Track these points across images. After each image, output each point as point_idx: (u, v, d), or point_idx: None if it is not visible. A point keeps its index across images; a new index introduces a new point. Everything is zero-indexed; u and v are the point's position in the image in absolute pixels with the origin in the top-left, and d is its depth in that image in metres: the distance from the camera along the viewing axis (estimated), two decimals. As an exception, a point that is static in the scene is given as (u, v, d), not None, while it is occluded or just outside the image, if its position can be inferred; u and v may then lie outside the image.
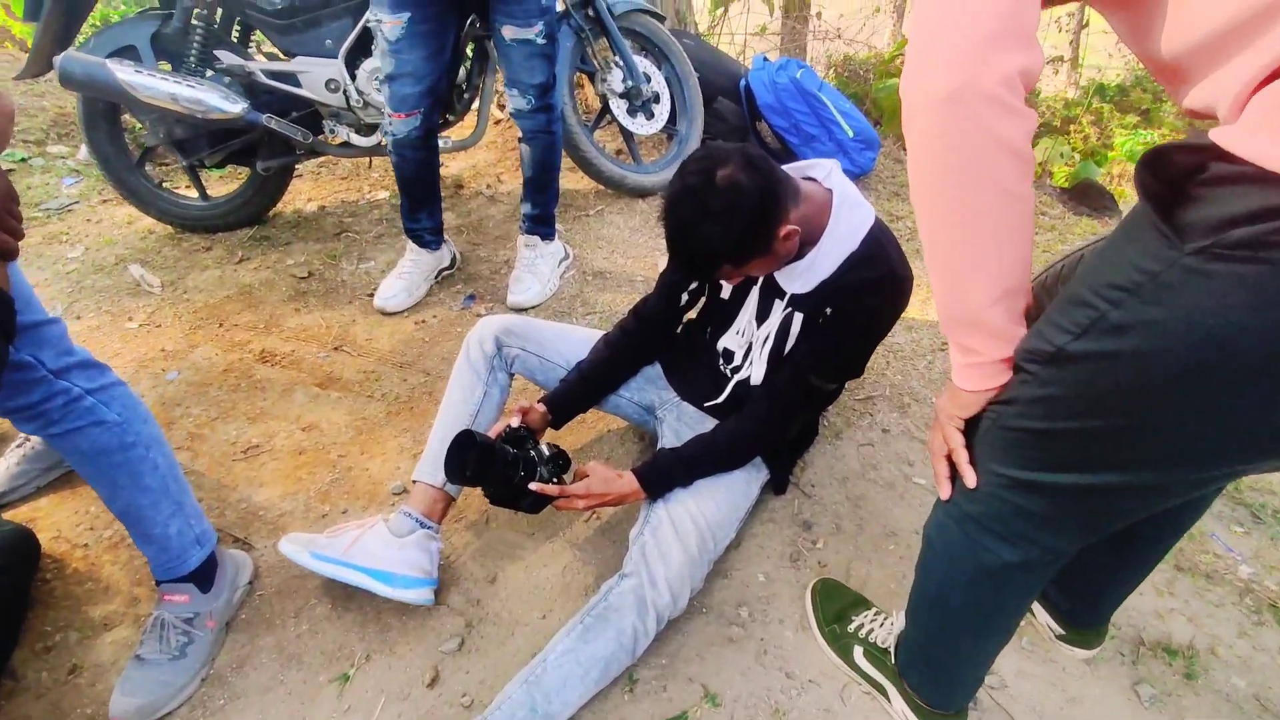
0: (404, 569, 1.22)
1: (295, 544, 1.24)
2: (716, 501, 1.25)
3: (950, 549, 0.84)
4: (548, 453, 1.24)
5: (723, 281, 1.32)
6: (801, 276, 1.19)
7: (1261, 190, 0.49)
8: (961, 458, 0.79)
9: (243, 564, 1.33)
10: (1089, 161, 3.91)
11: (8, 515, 1.42)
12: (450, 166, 2.88)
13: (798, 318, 1.23)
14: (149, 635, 1.17)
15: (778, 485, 1.46)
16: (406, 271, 2.07)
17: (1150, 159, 0.57)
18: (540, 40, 1.74)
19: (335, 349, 1.93)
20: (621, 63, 2.38)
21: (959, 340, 0.74)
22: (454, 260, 2.23)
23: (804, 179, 1.18)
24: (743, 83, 2.79)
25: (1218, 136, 0.51)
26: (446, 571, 1.35)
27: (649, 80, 2.48)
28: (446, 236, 2.18)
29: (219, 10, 2.11)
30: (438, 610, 1.29)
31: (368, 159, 2.70)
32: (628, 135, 2.57)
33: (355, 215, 2.58)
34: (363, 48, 2.18)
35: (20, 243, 0.88)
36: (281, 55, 2.24)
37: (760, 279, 1.28)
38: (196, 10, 2.07)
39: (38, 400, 1.01)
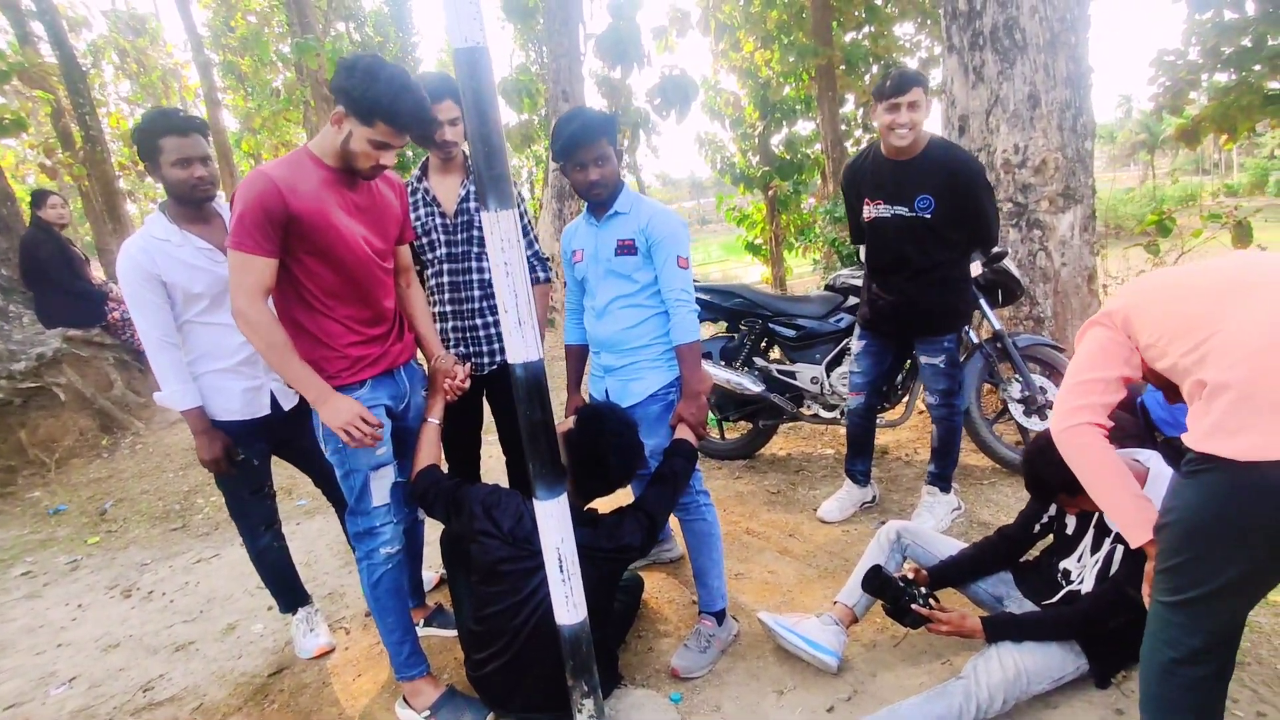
0: (824, 641, 2.13)
1: (768, 616, 2.26)
2: (1035, 657, 1.88)
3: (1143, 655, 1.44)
4: (926, 593, 2.06)
5: (1067, 517, 2.05)
6: None
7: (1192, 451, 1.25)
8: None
9: (733, 626, 2.39)
10: None
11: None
12: (883, 438, 3.98)
13: (1119, 550, 1.88)
14: (691, 638, 2.29)
15: (1100, 679, 1.96)
16: (842, 497, 3.15)
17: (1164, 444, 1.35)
18: (942, 365, 2.81)
19: (790, 535, 3.04)
20: (1021, 378, 3.26)
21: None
22: (875, 498, 3.22)
23: (1132, 460, 1.91)
24: (1139, 400, 3.33)
25: (1184, 438, 1.28)
26: (845, 662, 2.19)
27: (1045, 391, 3.28)
28: (872, 480, 3.22)
29: (762, 338, 3.73)
30: (837, 677, 2.13)
31: (824, 427, 3.99)
32: (1023, 430, 3.35)
33: (810, 462, 3.83)
34: (837, 360, 3.55)
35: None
36: (786, 361, 3.74)
37: (1093, 523, 1.98)
38: (749, 338, 3.72)
39: (687, 502, 2.30)
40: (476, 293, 2.51)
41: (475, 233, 2.48)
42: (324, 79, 11.81)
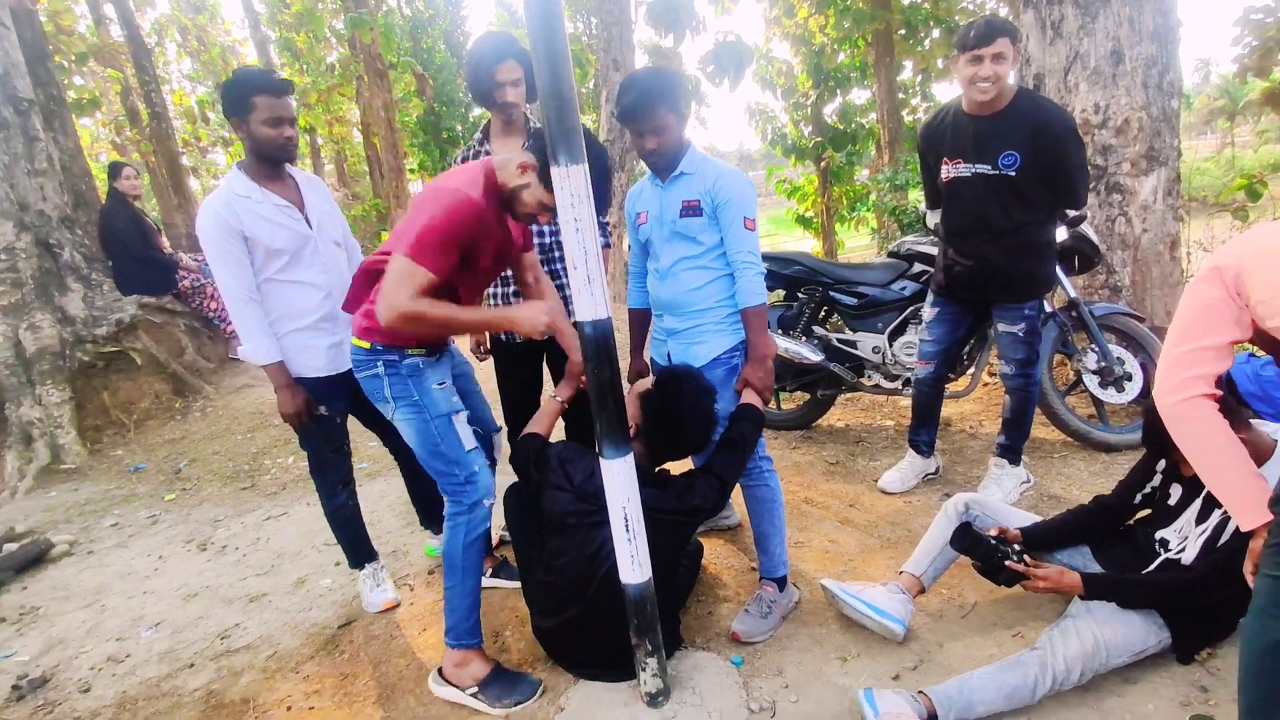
0: (890, 609, 2.09)
1: (832, 583, 2.23)
2: (1115, 629, 1.81)
3: (1247, 632, 1.36)
4: (1019, 550, 1.99)
5: (1171, 487, 1.97)
6: None
7: None
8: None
9: (794, 593, 2.37)
10: None
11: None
12: (946, 409, 3.86)
13: (1232, 520, 1.79)
14: (752, 603, 2.28)
15: (1182, 654, 1.88)
16: (904, 468, 3.08)
17: None
18: (1021, 334, 2.70)
19: (850, 505, 3.00)
20: (1097, 349, 3.12)
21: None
22: (938, 469, 3.15)
23: (1266, 434, 1.80)
24: (1226, 373, 3.16)
25: None
26: (911, 631, 2.15)
27: (1122, 363, 3.13)
28: (935, 452, 3.14)
29: (822, 307, 3.65)
30: (902, 645, 2.10)
31: (885, 398, 3.90)
32: (1098, 403, 3.22)
33: (869, 433, 3.75)
34: (900, 329, 3.45)
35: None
36: (846, 330, 3.65)
37: (1204, 493, 1.88)
38: (808, 305, 3.65)
39: (750, 468, 2.27)
40: (538, 257, 2.50)
41: None
42: (377, 53, 11.90)
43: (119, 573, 3.15)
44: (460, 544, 2.04)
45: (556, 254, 2.52)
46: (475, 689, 2.04)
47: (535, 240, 2.49)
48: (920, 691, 1.80)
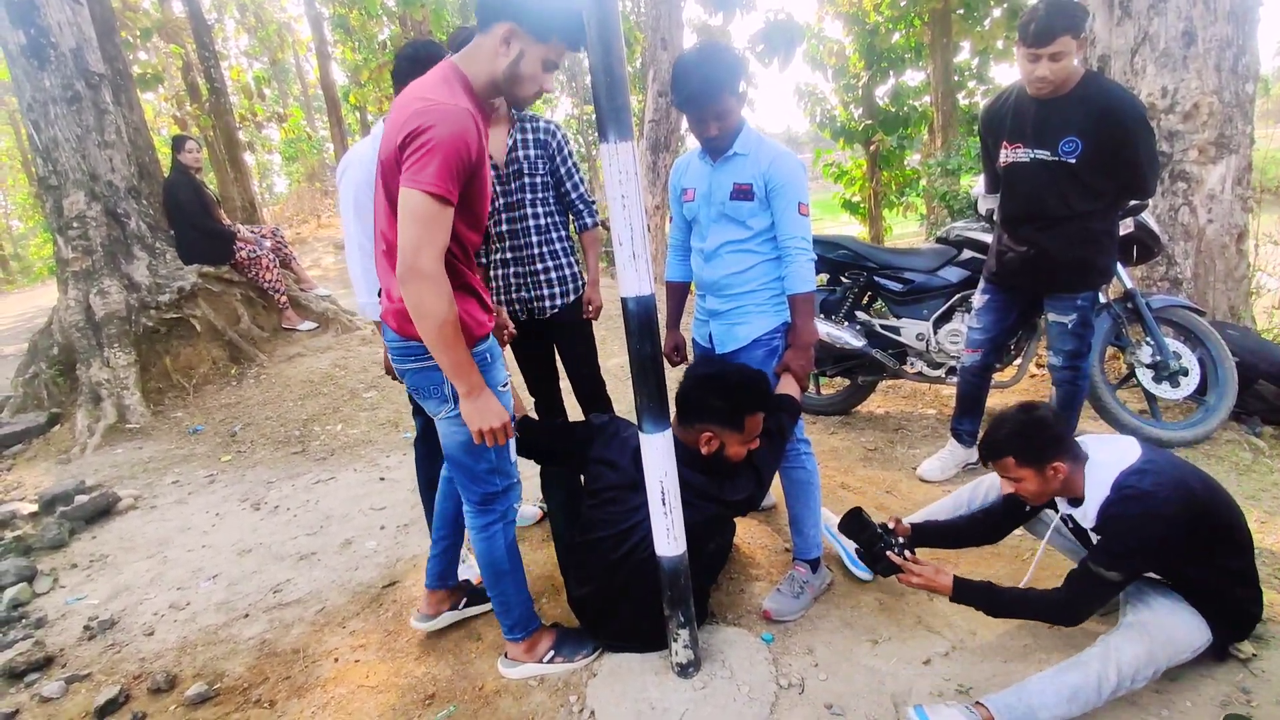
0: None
1: (829, 516, 2.30)
2: (1174, 628, 1.78)
3: None
4: (902, 544, 2.03)
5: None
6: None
7: None
8: None
9: (826, 575, 2.39)
10: None
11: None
12: (992, 399, 3.79)
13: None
14: (784, 583, 2.30)
15: (1218, 652, 1.85)
16: (944, 456, 3.06)
17: None
18: (1072, 326, 2.65)
19: (887, 492, 2.99)
20: (1152, 342, 3.03)
21: None
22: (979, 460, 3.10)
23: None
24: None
25: None
26: (944, 619, 2.15)
27: (1179, 357, 3.03)
28: (977, 442, 3.09)
29: (866, 292, 3.62)
30: (934, 631, 2.10)
31: (927, 386, 3.86)
32: (1150, 398, 3.13)
33: (909, 421, 3.72)
34: (946, 316, 3.40)
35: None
36: (890, 316, 3.61)
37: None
38: (851, 290, 3.61)
39: (787, 449, 2.29)
40: (534, 238, 2.50)
41: (525, 180, 2.46)
42: (428, 31, 12.00)
43: (179, 527, 3.32)
44: (502, 549, 1.98)
45: (554, 235, 2.53)
46: (550, 654, 2.09)
47: (531, 222, 2.49)
48: (977, 703, 1.75)
